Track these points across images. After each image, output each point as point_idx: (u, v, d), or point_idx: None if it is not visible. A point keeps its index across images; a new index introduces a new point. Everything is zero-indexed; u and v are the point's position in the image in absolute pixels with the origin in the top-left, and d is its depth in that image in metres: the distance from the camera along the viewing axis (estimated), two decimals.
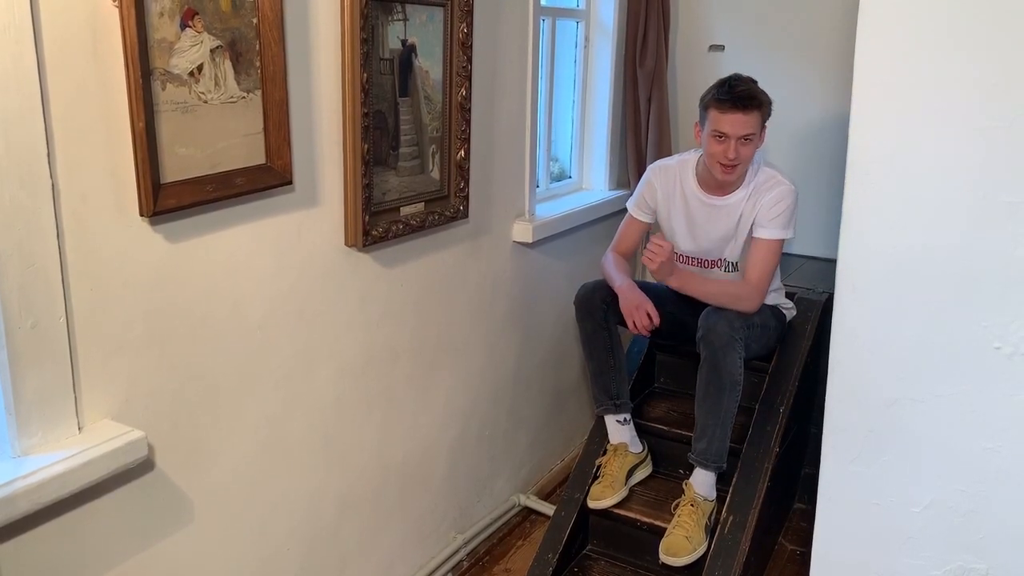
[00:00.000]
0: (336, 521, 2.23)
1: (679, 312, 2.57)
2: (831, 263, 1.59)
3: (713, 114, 2.33)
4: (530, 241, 2.79)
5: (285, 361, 1.99)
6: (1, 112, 1.34)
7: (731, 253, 2.51)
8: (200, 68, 1.63)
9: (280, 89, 1.79)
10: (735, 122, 2.30)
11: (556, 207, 3.05)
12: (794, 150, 3.19)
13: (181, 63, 1.59)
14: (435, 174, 2.32)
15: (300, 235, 1.97)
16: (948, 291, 1.41)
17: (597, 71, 3.31)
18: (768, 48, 3.27)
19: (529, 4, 2.65)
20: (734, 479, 2.45)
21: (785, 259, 2.63)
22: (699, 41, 3.43)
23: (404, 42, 2.13)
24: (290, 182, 1.88)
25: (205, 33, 1.62)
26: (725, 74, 2.42)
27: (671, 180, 2.56)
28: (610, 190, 3.37)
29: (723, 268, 2.54)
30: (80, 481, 1.50)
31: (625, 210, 2.72)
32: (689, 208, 2.52)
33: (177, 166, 1.61)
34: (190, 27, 1.59)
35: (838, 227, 1.49)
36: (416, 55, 2.18)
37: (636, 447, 2.63)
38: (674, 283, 2.37)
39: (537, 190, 2.94)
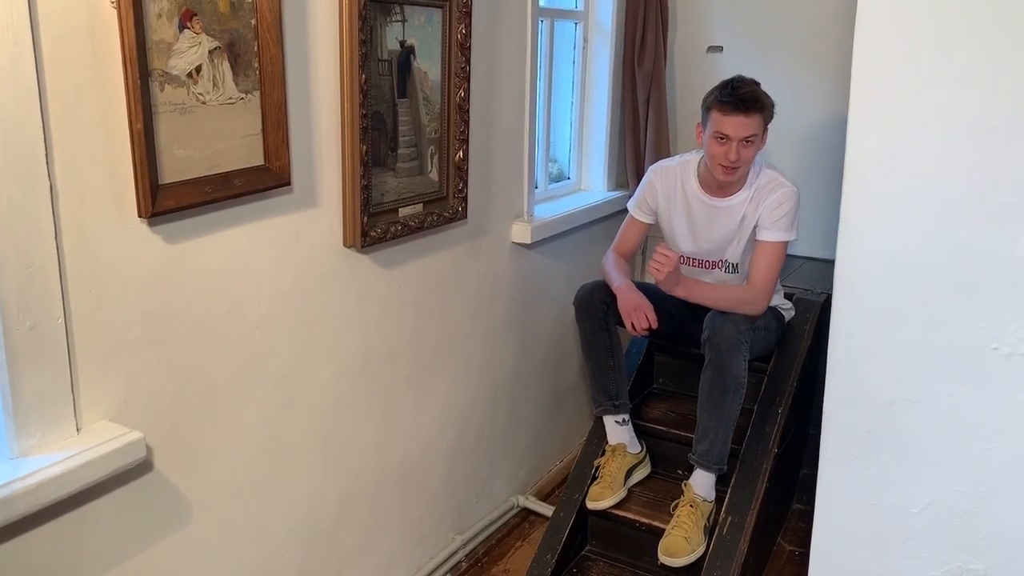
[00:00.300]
0: (335, 522, 2.23)
1: (678, 313, 2.57)
2: (830, 264, 1.59)
3: (715, 116, 2.33)
4: (529, 242, 2.79)
5: (284, 362, 1.99)
6: None
7: (732, 254, 2.51)
8: (198, 69, 1.63)
9: (278, 90, 1.79)
10: (737, 124, 2.30)
11: (555, 208, 3.05)
12: (792, 151, 3.19)
13: (179, 64, 1.59)
14: (434, 175, 2.32)
15: (299, 236, 1.97)
16: (946, 292, 1.42)
17: (595, 72, 3.31)
18: (766, 49, 3.27)
19: (527, 5, 2.66)
20: (733, 480, 2.45)
21: (784, 260, 2.62)
22: (697, 42, 3.43)
23: (402, 43, 2.13)
24: (288, 183, 1.88)
25: (203, 34, 1.62)
26: (724, 75, 2.42)
27: (672, 181, 2.56)
28: (609, 191, 3.37)
29: (723, 269, 2.54)
30: (79, 482, 1.50)
31: (624, 211, 2.72)
32: (690, 209, 2.52)
33: (175, 167, 1.61)
34: (188, 28, 1.59)
35: (836, 228, 1.49)
36: (414, 56, 2.18)
37: (635, 448, 2.63)
38: (681, 292, 2.35)
39: (536, 191, 2.95)
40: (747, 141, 2.32)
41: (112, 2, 1.47)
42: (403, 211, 2.23)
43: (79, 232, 1.50)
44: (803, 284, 2.95)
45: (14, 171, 1.37)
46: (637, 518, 2.53)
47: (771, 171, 2.46)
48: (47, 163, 1.42)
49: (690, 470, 2.46)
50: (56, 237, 1.46)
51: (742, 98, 2.29)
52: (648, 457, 2.69)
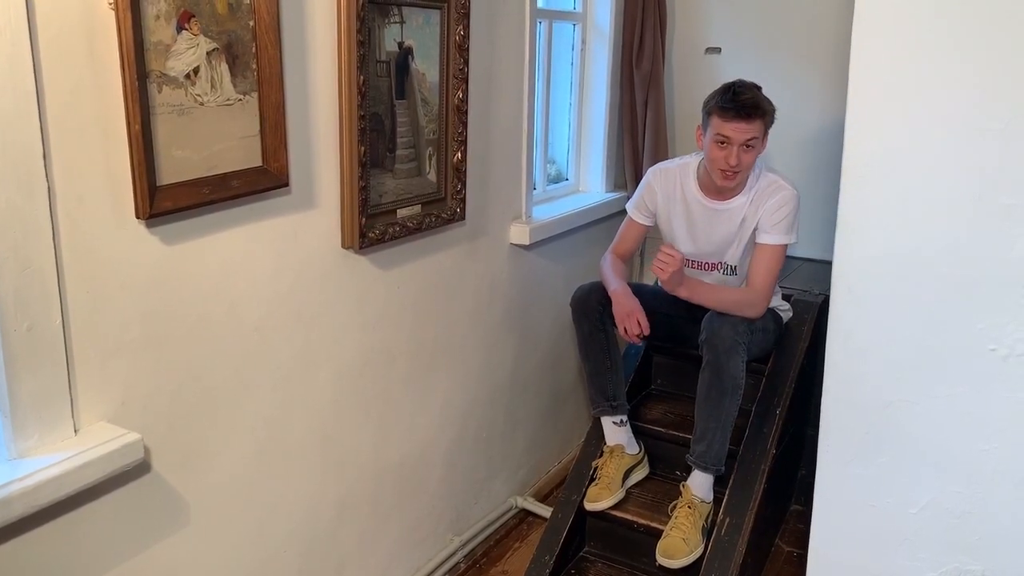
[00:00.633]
0: (334, 523, 2.23)
1: (676, 315, 2.57)
2: (828, 265, 1.59)
3: (716, 120, 2.33)
4: (527, 243, 2.79)
5: (282, 363, 1.99)
6: None
7: (731, 257, 2.51)
8: (196, 70, 1.63)
9: (276, 91, 1.79)
10: (738, 130, 2.30)
11: (553, 209, 3.05)
12: (790, 151, 3.20)
13: (177, 65, 1.59)
14: (432, 176, 2.32)
15: (297, 237, 1.97)
16: (944, 293, 1.42)
17: (594, 74, 3.31)
18: (765, 50, 3.27)
19: (526, 7, 2.66)
20: (731, 481, 2.45)
21: (784, 262, 2.62)
22: (696, 44, 3.43)
23: (401, 44, 2.13)
24: (287, 184, 1.88)
25: (201, 36, 1.62)
26: (722, 76, 2.43)
27: (671, 183, 2.56)
28: (607, 192, 3.38)
29: (722, 271, 2.54)
30: (76, 484, 1.49)
31: (623, 212, 2.72)
32: (690, 211, 2.52)
33: (173, 168, 1.61)
34: (186, 29, 1.59)
35: (834, 229, 1.49)
36: (413, 58, 2.18)
37: (633, 448, 2.63)
38: (683, 293, 2.36)
39: (534, 192, 2.95)
40: (748, 146, 2.32)
41: (110, 3, 1.47)
42: (401, 212, 2.23)
43: (77, 233, 1.50)
44: (801, 285, 2.95)
45: (12, 172, 1.37)
46: (635, 519, 2.53)
47: (771, 174, 2.46)
48: (45, 164, 1.42)
49: (688, 471, 2.46)
50: (54, 238, 1.46)
51: (744, 104, 2.29)
52: (646, 458, 2.69)
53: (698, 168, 2.52)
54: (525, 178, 2.79)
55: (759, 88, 2.37)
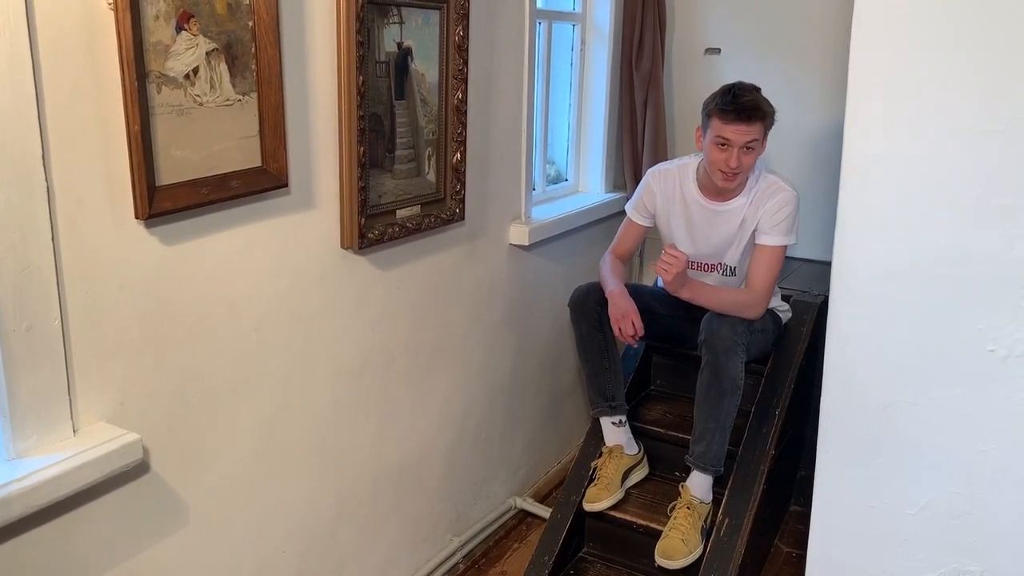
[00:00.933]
0: (333, 523, 2.23)
1: (673, 316, 2.57)
2: (827, 266, 1.59)
3: (716, 123, 2.33)
4: (526, 244, 2.79)
5: (282, 363, 1.99)
6: None
7: (731, 258, 2.52)
8: (196, 71, 1.63)
9: (276, 92, 1.79)
10: (738, 132, 2.30)
11: (552, 210, 3.05)
12: (789, 153, 3.20)
13: (177, 66, 1.59)
14: (431, 177, 2.32)
15: (296, 237, 1.97)
16: (943, 294, 1.42)
17: (593, 74, 3.31)
18: (764, 51, 3.27)
19: (525, 7, 2.66)
20: (730, 482, 2.45)
21: (783, 263, 2.63)
22: (695, 44, 3.43)
23: (400, 45, 2.13)
24: (286, 185, 1.88)
25: (201, 36, 1.62)
26: (721, 77, 2.43)
27: (671, 184, 2.56)
28: (606, 193, 3.38)
29: (721, 272, 2.54)
30: (75, 484, 1.49)
31: (622, 212, 2.72)
32: (689, 212, 2.52)
33: (173, 168, 1.61)
34: (186, 30, 1.59)
35: (834, 230, 1.49)
36: (412, 58, 2.18)
37: (632, 449, 2.63)
38: (685, 294, 2.36)
39: (533, 193, 2.95)
40: (748, 148, 2.32)
41: (109, 3, 1.47)
42: (400, 212, 2.23)
43: (76, 234, 1.50)
44: (800, 286, 2.95)
45: (11, 173, 1.37)
46: (634, 520, 2.53)
47: (771, 175, 2.46)
48: (44, 165, 1.42)
49: (688, 472, 2.46)
50: (53, 239, 1.46)
51: (744, 106, 2.29)
52: (646, 459, 2.69)
53: (697, 169, 2.52)
54: (524, 178, 2.79)
55: (759, 90, 2.37)
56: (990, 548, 1.47)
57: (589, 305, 2.52)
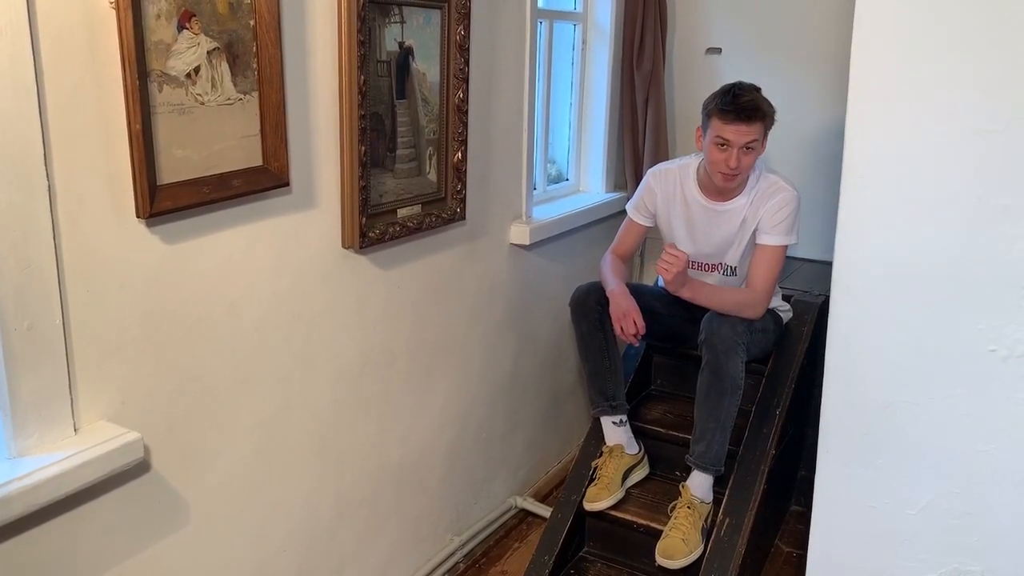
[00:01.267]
0: (333, 523, 2.23)
1: (674, 316, 2.57)
2: (828, 265, 1.59)
3: (716, 122, 2.33)
4: (527, 243, 2.79)
5: (282, 363, 1.99)
6: None
7: (731, 258, 2.52)
8: (197, 70, 1.63)
9: (277, 91, 1.79)
10: (738, 132, 2.30)
11: (553, 209, 3.05)
12: (790, 153, 3.20)
13: (178, 65, 1.59)
14: (432, 176, 2.32)
15: (297, 237, 1.97)
16: (943, 294, 1.42)
17: (594, 74, 3.31)
18: (765, 51, 3.27)
19: (526, 6, 2.66)
20: (730, 481, 2.45)
21: (784, 263, 2.63)
22: (696, 44, 3.43)
23: (401, 44, 2.13)
24: (287, 184, 1.88)
25: (202, 35, 1.62)
26: (722, 77, 2.43)
27: (671, 184, 2.56)
28: (607, 192, 3.37)
29: (722, 272, 2.54)
30: (76, 483, 1.49)
31: (623, 212, 2.72)
32: (690, 212, 2.52)
33: (174, 168, 1.61)
34: (187, 29, 1.59)
35: (835, 230, 1.49)
36: (413, 57, 2.18)
37: (632, 448, 2.63)
38: (686, 293, 2.36)
39: (534, 192, 2.95)
40: (748, 148, 2.32)
41: (111, 2, 1.47)
42: (401, 212, 2.23)
43: (77, 233, 1.50)
44: (801, 286, 2.95)
45: (12, 172, 1.37)
46: (635, 519, 2.53)
47: (772, 175, 2.46)
48: (45, 164, 1.42)
49: (688, 471, 2.46)
50: (54, 238, 1.46)
51: (743, 106, 2.29)
52: (646, 458, 2.69)
53: (698, 169, 2.52)
54: (525, 178, 2.79)
55: (759, 90, 2.37)
56: (991, 548, 1.47)
57: (590, 305, 2.52)
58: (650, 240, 2.98)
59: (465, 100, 2.35)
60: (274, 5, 1.74)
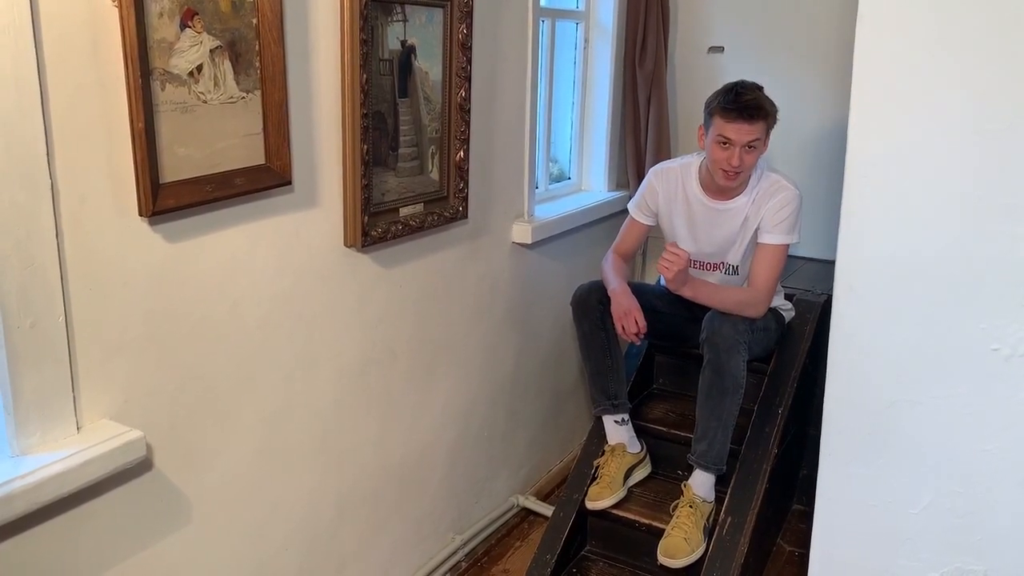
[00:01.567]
0: (335, 522, 2.23)
1: (675, 315, 2.57)
2: (830, 264, 1.59)
3: (718, 121, 2.33)
4: (529, 242, 2.79)
5: (284, 362, 1.99)
6: (0, 112, 1.34)
7: (733, 257, 2.51)
8: (200, 68, 1.63)
9: (279, 89, 1.79)
10: (740, 131, 2.29)
11: (555, 208, 3.05)
12: (793, 152, 3.20)
13: (181, 63, 1.59)
14: (434, 175, 2.32)
15: (299, 235, 1.97)
16: (946, 293, 1.42)
17: (596, 72, 3.31)
18: (768, 50, 3.27)
19: (528, 5, 2.66)
20: (732, 480, 2.45)
21: (786, 262, 2.63)
22: (698, 42, 3.43)
23: (403, 43, 2.13)
24: (289, 182, 1.88)
25: (205, 33, 1.63)
26: (725, 75, 2.43)
27: (673, 183, 2.56)
28: (609, 191, 3.37)
29: (724, 271, 2.54)
30: (78, 481, 1.50)
31: (624, 211, 2.72)
32: (692, 211, 2.52)
33: (176, 166, 1.61)
34: (190, 27, 1.59)
35: (837, 228, 1.49)
36: (415, 56, 2.18)
37: (634, 447, 2.63)
38: (687, 292, 2.36)
39: (536, 191, 2.95)
40: (750, 147, 2.32)
41: (113, 1, 1.47)
42: (404, 211, 2.23)
43: (80, 231, 1.50)
44: (803, 285, 2.95)
45: (15, 170, 1.38)
46: (637, 518, 2.53)
47: (773, 174, 2.46)
48: (48, 162, 1.42)
49: (690, 470, 2.46)
50: (57, 236, 1.46)
51: (746, 105, 2.29)
52: (648, 457, 2.69)
53: (700, 168, 2.52)
54: (527, 177, 2.79)
55: (761, 88, 2.36)
56: (993, 547, 1.47)
57: (591, 304, 2.52)
58: (652, 239, 2.98)
59: (467, 99, 2.35)
60: (276, 3, 1.74)
